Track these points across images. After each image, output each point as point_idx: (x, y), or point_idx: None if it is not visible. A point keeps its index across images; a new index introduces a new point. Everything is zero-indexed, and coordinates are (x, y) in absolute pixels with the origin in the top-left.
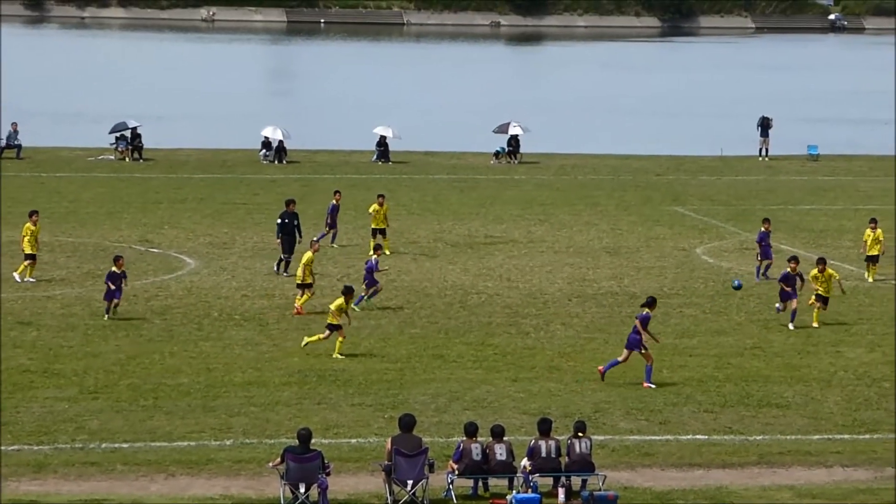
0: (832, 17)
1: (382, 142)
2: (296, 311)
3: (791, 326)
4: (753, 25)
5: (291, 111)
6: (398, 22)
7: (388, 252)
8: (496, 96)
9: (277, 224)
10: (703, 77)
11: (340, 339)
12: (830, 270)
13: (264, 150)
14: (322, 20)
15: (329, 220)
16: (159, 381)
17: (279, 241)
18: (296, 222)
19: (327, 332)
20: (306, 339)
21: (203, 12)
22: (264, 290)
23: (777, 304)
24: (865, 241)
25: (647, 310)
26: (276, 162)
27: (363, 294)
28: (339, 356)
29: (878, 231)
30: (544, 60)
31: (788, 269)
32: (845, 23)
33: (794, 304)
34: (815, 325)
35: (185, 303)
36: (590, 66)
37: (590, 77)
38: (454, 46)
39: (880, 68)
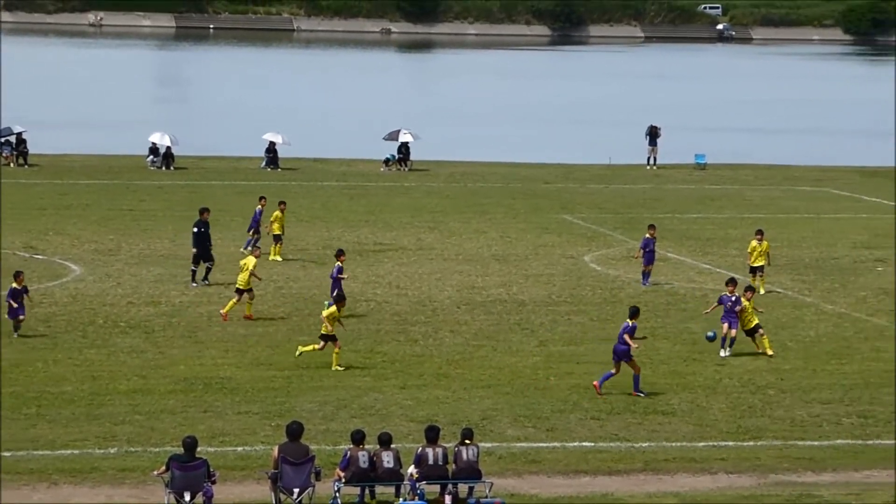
0: (720, 27)
1: (272, 148)
2: (223, 316)
3: (725, 353)
4: (643, 35)
5: (179, 117)
6: (288, 28)
7: (279, 258)
8: (387, 103)
9: (193, 233)
10: (593, 86)
11: (336, 350)
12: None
13: (151, 157)
14: (211, 26)
15: (253, 225)
16: (43, 389)
17: (195, 250)
18: (208, 230)
19: (322, 342)
20: (300, 349)
21: (90, 17)
22: (150, 298)
23: (710, 333)
24: (751, 253)
25: (631, 320)
26: (163, 168)
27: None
28: (339, 368)
29: (765, 243)
30: (435, 68)
31: (728, 293)
32: (733, 33)
33: (733, 332)
34: (770, 352)
35: (70, 310)
36: (480, 75)
37: (480, 85)
38: (344, 53)
39: (767, 78)
